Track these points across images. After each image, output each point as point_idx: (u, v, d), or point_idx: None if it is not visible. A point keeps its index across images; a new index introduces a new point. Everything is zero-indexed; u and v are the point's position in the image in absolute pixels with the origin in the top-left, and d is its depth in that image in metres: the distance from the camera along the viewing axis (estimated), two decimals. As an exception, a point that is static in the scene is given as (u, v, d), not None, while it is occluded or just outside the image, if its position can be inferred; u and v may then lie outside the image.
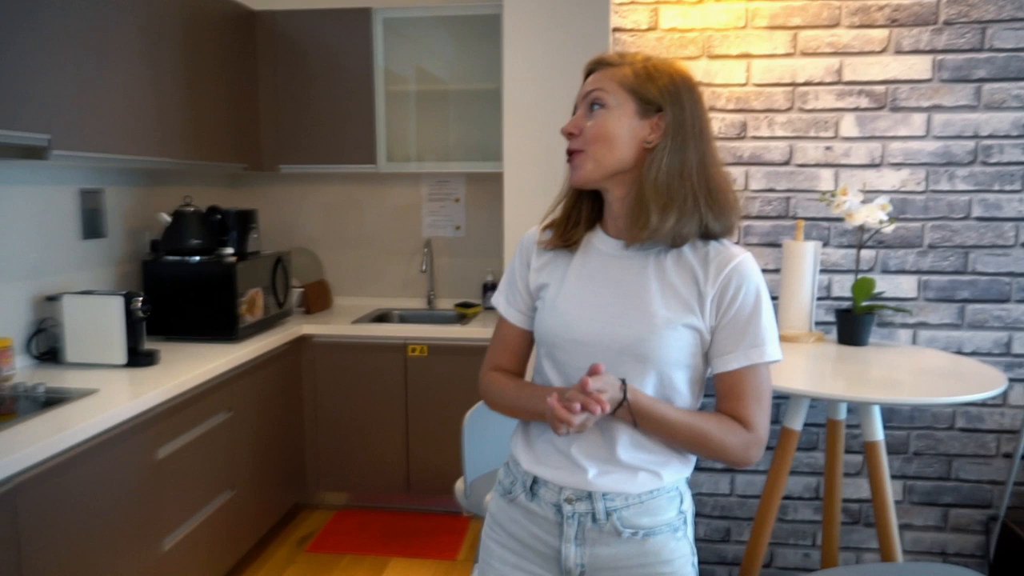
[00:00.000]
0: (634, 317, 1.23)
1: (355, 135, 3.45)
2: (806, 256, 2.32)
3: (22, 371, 2.41)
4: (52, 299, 2.52)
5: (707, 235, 1.24)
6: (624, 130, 1.22)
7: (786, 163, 2.44)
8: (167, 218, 2.92)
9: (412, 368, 3.27)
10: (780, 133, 2.43)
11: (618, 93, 1.23)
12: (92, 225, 2.81)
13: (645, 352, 1.22)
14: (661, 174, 1.21)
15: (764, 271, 2.03)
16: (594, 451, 1.26)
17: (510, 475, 1.36)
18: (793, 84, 2.40)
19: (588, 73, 1.30)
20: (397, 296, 3.84)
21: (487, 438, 2.15)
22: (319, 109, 3.45)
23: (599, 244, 1.31)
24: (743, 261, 1.23)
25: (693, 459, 1.31)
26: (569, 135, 1.26)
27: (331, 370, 3.32)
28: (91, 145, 2.36)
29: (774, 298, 2.35)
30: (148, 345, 2.63)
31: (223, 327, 2.87)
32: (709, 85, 2.40)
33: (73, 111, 2.27)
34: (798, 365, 2.16)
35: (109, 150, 2.45)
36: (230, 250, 3.07)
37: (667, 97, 1.22)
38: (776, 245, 2.49)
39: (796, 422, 2.09)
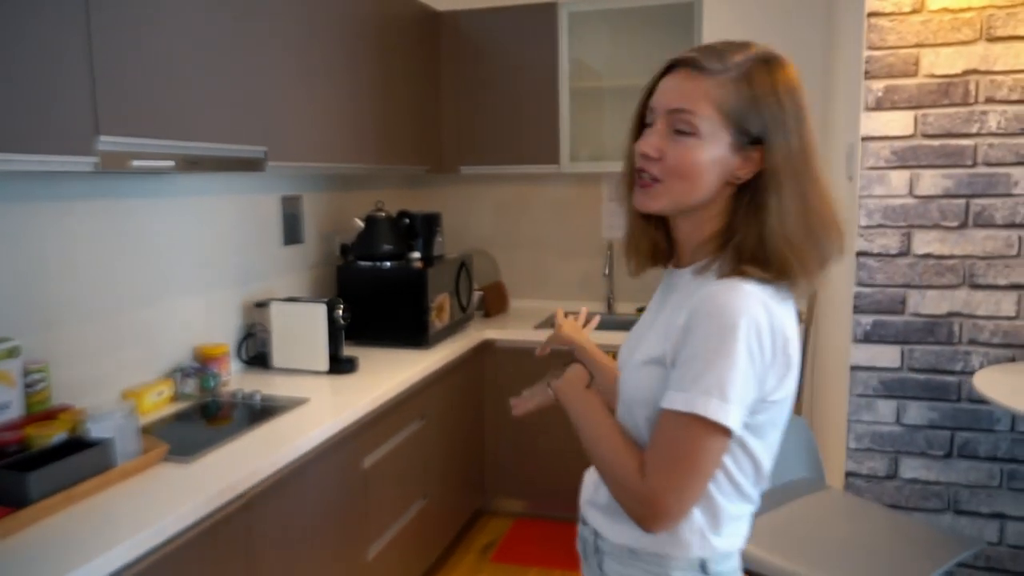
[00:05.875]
0: (629, 353, 1.16)
1: (538, 135, 3.35)
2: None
3: (234, 376, 2.49)
4: (261, 305, 2.59)
5: None
6: (713, 164, 1.00)
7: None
8: (360, 223, 2.94)
9: (596, 376, 3.14)
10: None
11: (713, 120, 0.99)
12: (292, 231, 2.87)
13: (622, 388, 1.13)
14: (750, 225, 0.99)
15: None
16: (596, 477, 1.18)
17: None
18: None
19: (667, 70, 1.04)
20: (574, 298, 3.72)
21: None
22: (501, 109, 3.39)
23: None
24: (719, 291, 0.97)
25: (697, 539, 1.05)
26: (644, 156, 1.04)
27: (512, 376, 3.24)
28: (300, 155, 2.38)
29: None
30: (345, 351, 2.65)
31: (414, 333, 2.86)
32: (987, 73, 2.04)
33: (285, 124, 2.29)
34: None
35: (315, 159, 2.47)
36: (417, 255, 3.07)
37: (772, 127, 0.98)
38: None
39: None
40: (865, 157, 1.94)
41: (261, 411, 2.15)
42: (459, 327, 3.20)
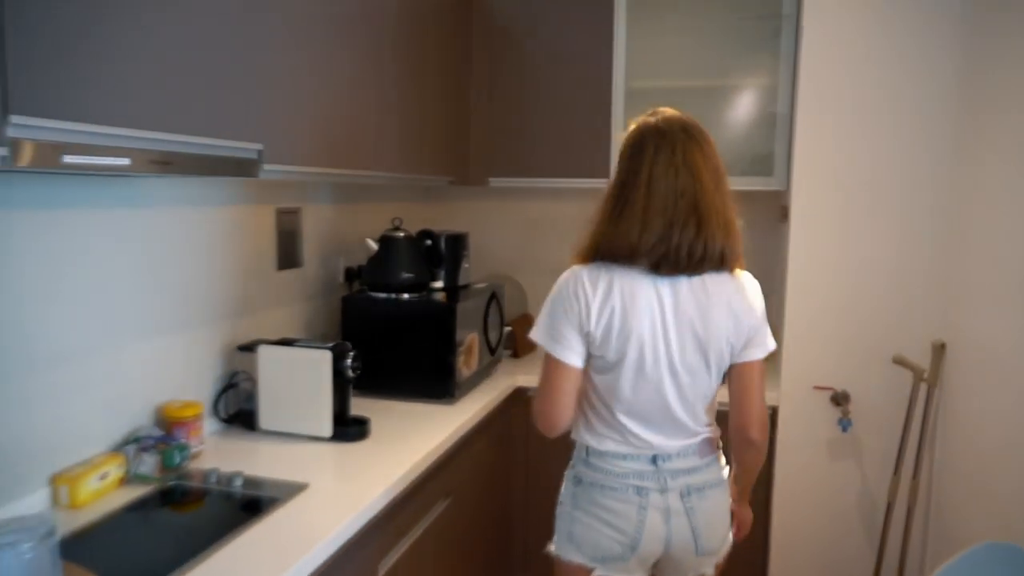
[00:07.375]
0: None
1: (585, 143, 2.81)
2: None
3: (208, 442, 1.91)
4: (245, 348, 2.02)
5: None
6: None
7: None
8: (374, 245, 2.38)
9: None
10: None
11: None
12: (288, 252, 2.30)
13: None
14: None
15: None
16: None
17: None
18: None
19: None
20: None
21: None
22: (541, 112, 2.85)
23: None
24: None
25: (580, 434, 1.64)
26: None
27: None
28: (304, 158, 1.83)
29: None
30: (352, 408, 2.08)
31: (438, 383, 2.29)
32: None
33: (286, 117, 1.74)
34: None
35: (322, 164, 1.91)
36: (439, 284, 2.52)
37: None
38: None
39: None
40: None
41: (243, 503, 1.58)
42: (487, 372, 2.64)
